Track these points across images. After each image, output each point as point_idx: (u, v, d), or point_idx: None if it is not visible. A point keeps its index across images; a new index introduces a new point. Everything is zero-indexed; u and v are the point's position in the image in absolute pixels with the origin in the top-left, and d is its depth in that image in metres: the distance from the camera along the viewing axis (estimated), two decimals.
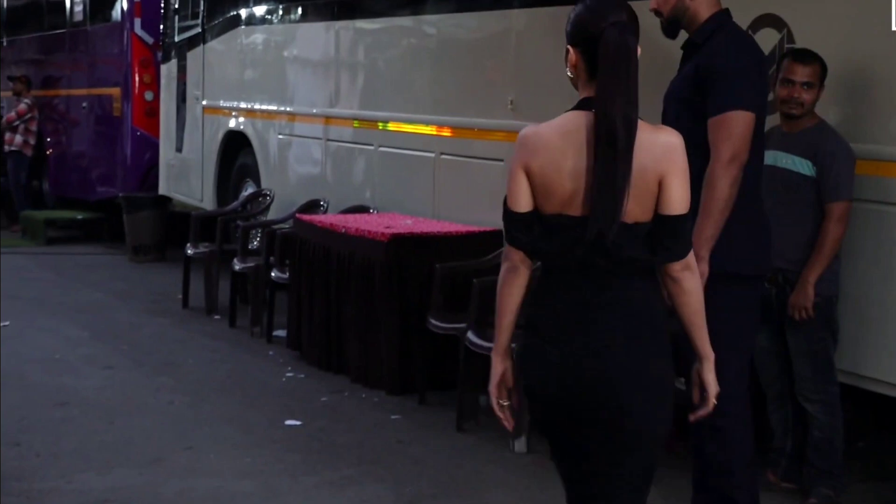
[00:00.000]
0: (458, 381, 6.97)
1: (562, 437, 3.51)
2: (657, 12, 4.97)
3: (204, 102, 12.16)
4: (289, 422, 7.06)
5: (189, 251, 10.39)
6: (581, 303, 3.40)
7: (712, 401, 3.53)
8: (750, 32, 5.33)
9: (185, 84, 12.60)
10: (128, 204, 13.28)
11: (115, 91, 14.14)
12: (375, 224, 8.15)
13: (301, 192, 10.12)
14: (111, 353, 8.78)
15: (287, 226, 9.37)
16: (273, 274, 9.07)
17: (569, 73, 3.49)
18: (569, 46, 3.46)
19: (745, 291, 4.79)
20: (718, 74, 4.69)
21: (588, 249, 3.35)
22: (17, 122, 15.76)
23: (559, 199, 3.38)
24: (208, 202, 12.01)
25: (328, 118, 10.00)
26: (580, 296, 3.41)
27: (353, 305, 7.91)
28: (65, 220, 15.34)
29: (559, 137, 3.38)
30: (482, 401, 7.17)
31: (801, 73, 5.44)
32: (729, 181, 4.61)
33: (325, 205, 9.64)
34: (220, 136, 11.80)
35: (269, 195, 10.63)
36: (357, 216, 8.79)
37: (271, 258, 9.22)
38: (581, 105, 3.42)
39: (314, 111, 10.21)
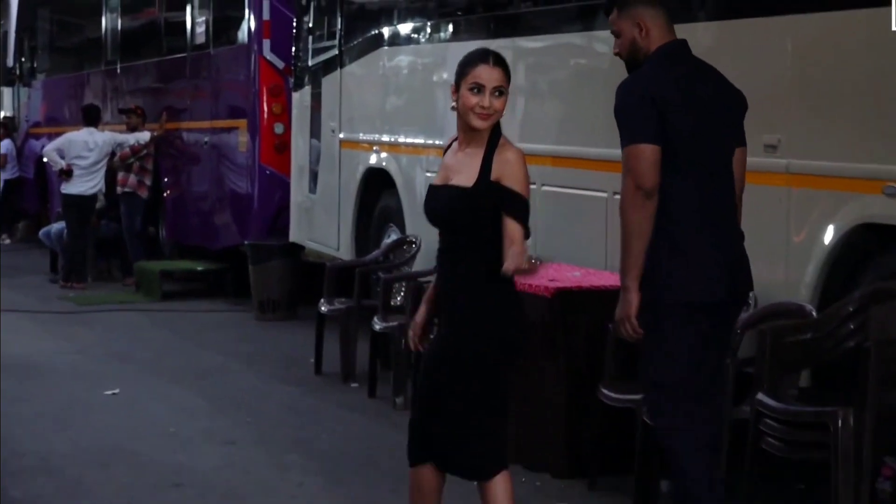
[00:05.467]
0: (636, 462, 6.87)
1: None
2: (618, 55, 5.86)
3: (341, 136, 12.22)
4: None
5: (323, 308, 10.44)
6: None
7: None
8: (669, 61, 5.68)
9: (319, 114, 12.68)
10: (254, 253, 13.41)
11: (241, 123, 14.28)
12: (538, 276, 8.09)
13: None
14: (233, 426, 8.86)
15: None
16: None
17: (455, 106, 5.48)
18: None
19: (672, 320, 5.49)
20: (615, 112, 5.64)
21: None
22: (131, 160, 15.99)
23: None
24: (345, 251, 12.05)
25: None
26: None
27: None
28: (183, 272, 15.61)
29: None
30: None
31: None
32: (634, 211, 5.48)
33: None
34: (359, 174, 11.83)
35: (414, 242, 10.60)
36: None
37: None
38: None
39: None
